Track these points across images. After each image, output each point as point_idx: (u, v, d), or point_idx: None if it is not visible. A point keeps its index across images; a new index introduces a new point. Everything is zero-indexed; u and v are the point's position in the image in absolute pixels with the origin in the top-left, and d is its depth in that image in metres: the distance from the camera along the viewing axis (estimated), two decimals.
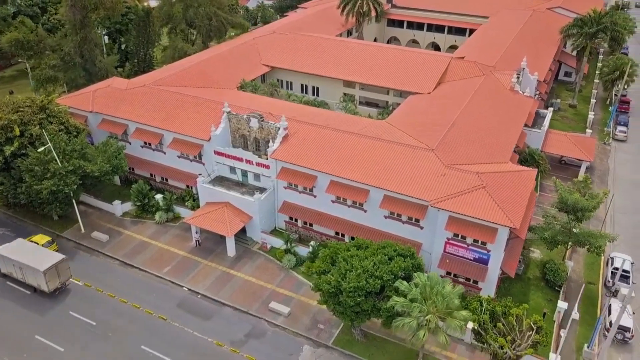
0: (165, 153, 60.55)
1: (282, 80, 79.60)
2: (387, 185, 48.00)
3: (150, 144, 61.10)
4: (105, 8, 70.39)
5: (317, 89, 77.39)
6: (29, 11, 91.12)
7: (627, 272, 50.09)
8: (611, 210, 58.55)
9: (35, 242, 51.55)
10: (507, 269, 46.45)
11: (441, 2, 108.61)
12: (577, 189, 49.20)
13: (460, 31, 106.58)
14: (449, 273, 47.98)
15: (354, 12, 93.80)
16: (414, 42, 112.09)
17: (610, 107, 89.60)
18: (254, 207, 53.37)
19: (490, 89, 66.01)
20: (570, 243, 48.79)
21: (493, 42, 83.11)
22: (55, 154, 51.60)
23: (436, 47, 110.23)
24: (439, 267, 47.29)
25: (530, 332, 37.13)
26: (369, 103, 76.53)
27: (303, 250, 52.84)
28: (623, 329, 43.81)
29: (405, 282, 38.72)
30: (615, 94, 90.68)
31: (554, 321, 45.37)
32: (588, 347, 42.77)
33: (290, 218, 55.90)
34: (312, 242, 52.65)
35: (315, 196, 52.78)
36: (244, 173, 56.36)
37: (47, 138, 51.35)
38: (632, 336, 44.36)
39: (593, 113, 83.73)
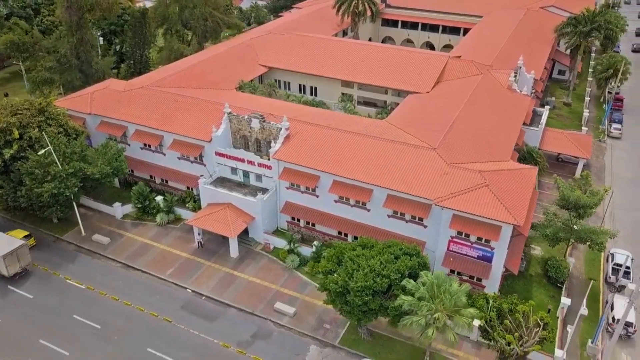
0: (165, 155, 60.32)
1: (279, 81, 79.54)
2: (391, 184, 48.18)
3: (149, 146, 60.83)
4: (101, 9, 69.93)
5: (315, 88, 77.43)
6: (22, 13, 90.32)
7: (628, 268, 50.67)
8: (610, 207, 59.14)
9: (13, 237, 51.87)
10: (510, 267, 46.79)
11: (435, 2, 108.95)
12: (578, 186, 49.64)
13: (455, 30, 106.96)
14: (452, 271, 48.25)
15: (349, 12, 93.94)
16: (409, 42, 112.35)
17: (604, 105, 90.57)
18: (256, 208, 53.33)
19: (488, 88, 66.45)
20: (571, 240, 49.26)
21: (488, 41, 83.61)
22: (55, 157, 51.22)
23: (431, 47, 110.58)
24: (443, 265, 47.53)
25: (538, 329, 37.43)
26: (367, 103, 76.69)
27: (306, 251, 52.90)
28: (627, 324, 44.31)
29: (412, 281, 38.89)
30: (609, 92, 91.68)
31: (558, 317, 45.79)
32: (592, 342, 43.16)
33: (293, 218, 55.91)
34: (315, 242, 52.70)
35: (317, 196, 52.84)
36: (246, 174, 56.29)
37: (47, 141, 50.95)
38: (635, 331, 44.94)
39: (588, 111, 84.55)
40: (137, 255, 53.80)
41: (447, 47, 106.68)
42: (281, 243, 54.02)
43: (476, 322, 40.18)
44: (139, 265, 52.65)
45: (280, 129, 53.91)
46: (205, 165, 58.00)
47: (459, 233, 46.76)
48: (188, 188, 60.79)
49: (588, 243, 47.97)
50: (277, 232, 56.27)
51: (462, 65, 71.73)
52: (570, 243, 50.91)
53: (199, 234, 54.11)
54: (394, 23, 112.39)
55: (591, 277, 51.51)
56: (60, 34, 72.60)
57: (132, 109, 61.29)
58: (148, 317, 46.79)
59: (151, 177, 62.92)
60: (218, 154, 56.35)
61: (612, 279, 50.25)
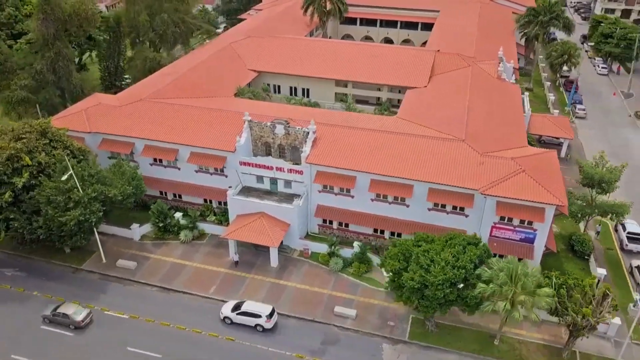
0: (179, 169, 57.70)
1: (269, 85, 78.32)
2: (433, 178, 49.44)
3: (160, 161, 57.95)
4: (80, 19, 65.04)
5: (308, 90, 77.12)
6: None
7: (638, 234, 55.59)
8: None
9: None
10: (549, 245, 49.77)
11: None
12: (596, 164, 53.61)
13: (413, 25, 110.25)
14: (494, 255, 50.35)
15: (318, 11, 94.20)
16: (368, 38, 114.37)
17: (560, 88, 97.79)
18: (292, 214, 52.62)
19: (481, 79, 69.64)
20: (593, 215, 53.15)
21: (458, 35, 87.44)
22: (76, 181, 47.57)
23: (390, 42, 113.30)
24: None
25: (608, 300, 40.23)
26: (359, 101, 77.54)
27: (346, 252, 52.85)
28: None
29: (487, 269, 40.50)
30: (562, 76, 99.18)
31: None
32: (634, 306, 47.04)
33: (324, 221, 55.69)
34: (355, 243, 52.85)
35: (352, 197, 53.02)
36: (273, 181, 55.25)
37: (69, 164, 47.15)
38: None
39: (553, 95, 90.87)
40: (171, 277, 51.22)
41: (406, 41, 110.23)
42: (319, 247, 53.65)
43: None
44: (178, 286, 50.18)
45: (308, 132, 53.46)
46: (226, 177, 56.24)
47: (502, 218, 48.99)
48: (205, 201, 58.62)
49: (610, 216, 51.93)
50: (309, 237, 55.74)
51: (450, 58, 74.52)
52: (589, 218, 54.82)
53: (235, 254, 52.05)
54: (352, 21, 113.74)
55: (609, 247, 55.91)
56: (33, 49, 66.73)
57: (137, 124, 58.01)
58: (208, 338, 44.83)
59: (161, 193, 59.94)
60: (243, 163, 54.83)
61: (631, 246, 54.73)
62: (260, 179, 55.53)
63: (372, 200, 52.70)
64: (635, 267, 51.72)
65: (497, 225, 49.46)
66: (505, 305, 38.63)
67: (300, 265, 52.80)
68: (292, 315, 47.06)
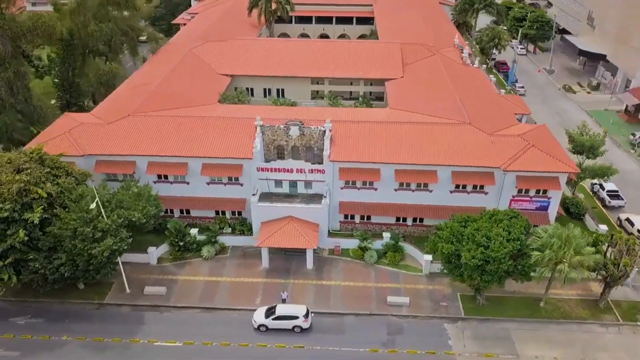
0: (188, 183, 54.76)
1: (242, 88, 76.13)
2: (455, 161, 51.91)
3: (166, 177, 54.60)
4: (40, 34, 58.47)
5: (283, 90, 76.20)
6: None
7: (617, 191, 62.69)
8: None
9: None
10: (559, 210, 54.62)
11: None
12: (581, 133, 59.49)
13: (348, 20, 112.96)
14: None
15: (265, 12, 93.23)
16: (304, 35, 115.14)
17: (494, 70, 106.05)
18: (321, 214, 52.45)
19: (450, 66, 73.64)
20: (585, 178, 59.07)
21: (405, 26, 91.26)
22: (102, 209, 43.62)
23: (326, 38, 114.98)
24: None
25: (636, 249, 45.29)
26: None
27: (375, 244, 53.69)
28: None
29: (538, 238, 43.77)
30: (492, 58, 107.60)
31: None
32: None
33: (345, 217, 56.07)
34: (385, 233, 53.90)
35: (376, 189, 53.98)
36: (293, 184, 54.50)
37: (95, 192, 43.00)
38: None
39: (493, 76, 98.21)
40: (209, 295, 48.79)
41: (342, 36, 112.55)
42: (349, 243, 53.99)
43: None
44: (221, 304, 47.95)
45: (324, 131, 53.41)
46: (241, 185, 54.49)
47: (519, 191, 52.82)
48: (217, 213, 56.30)
49: (604, 176, 58.02)
50: (331, 234, 55.77)
51: (415, 49, 77.73)
52: (580, 181, 60.77)
53: (283, 291, 48.85)
54: (288, 19, 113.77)
55: (593, 206, 62.37)
56: None
57: (138, 141, 54.06)
58: (275, 351, 43.52)
59: (166, 211, 56.38)
60: (260, 169, 53.44)
61: (613, 202, 61.56)
62: (278, 183, 54.49)
63: (396, 190, 54.04)
64: (625, 219, 58.28)
65: (515, 198, 53.22)
66: (565, 268, 41.99)
67: (336, 263, 52.83)
68: (350, 312, 47.14)
